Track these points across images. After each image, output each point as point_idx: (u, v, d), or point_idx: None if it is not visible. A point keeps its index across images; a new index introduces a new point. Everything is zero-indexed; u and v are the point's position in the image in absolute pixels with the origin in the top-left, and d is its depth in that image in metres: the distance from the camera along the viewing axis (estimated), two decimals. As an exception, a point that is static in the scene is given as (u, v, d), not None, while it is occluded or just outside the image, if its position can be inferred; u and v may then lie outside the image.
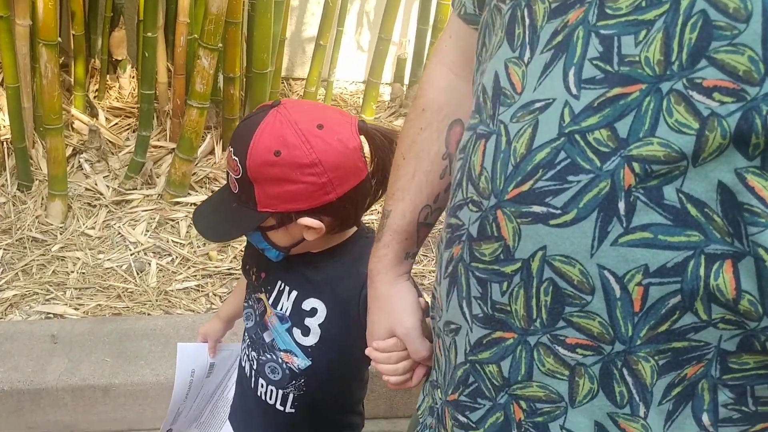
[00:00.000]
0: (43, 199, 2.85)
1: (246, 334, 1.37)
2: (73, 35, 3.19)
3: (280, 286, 1.28)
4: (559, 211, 0.67)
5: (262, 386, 1.33)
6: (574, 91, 0.66)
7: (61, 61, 2.84)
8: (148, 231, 2.79)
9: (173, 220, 2.85)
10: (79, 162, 3.05)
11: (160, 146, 3.19)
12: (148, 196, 2.94)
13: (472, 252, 0.76)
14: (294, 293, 1.26)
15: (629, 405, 0.70)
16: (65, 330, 2.23)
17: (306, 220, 1.15)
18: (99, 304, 2.43)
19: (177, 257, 2.69)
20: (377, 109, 3.77)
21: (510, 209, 0.71)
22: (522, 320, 0.73)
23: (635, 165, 0.63)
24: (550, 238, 0.68)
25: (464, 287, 0.79)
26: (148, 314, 2.41)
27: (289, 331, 1.26)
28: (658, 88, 0.61)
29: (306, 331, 1.25)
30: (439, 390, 0.91)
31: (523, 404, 0.76)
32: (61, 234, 2.73)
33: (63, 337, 2.20)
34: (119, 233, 2.76)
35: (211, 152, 3.21)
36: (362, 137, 1.16)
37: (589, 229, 0.66)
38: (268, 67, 2.63)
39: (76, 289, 2.49)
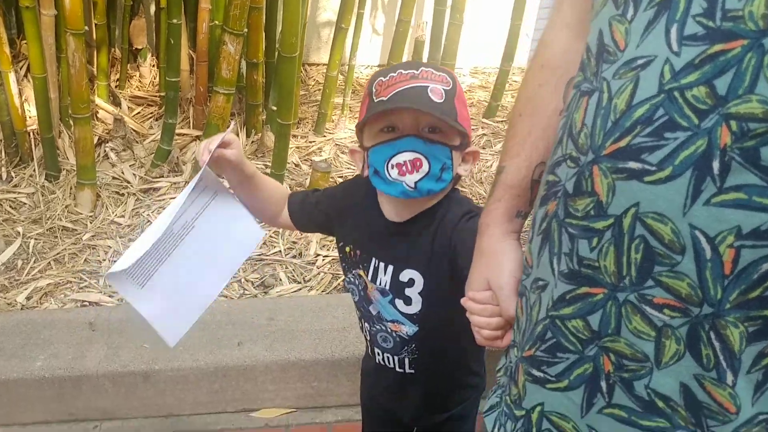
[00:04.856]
0: (71, 188, 2.86)
1: (355, 307, 1.42)
2: (96, 25, 3.18)
3: (375, 263, 1.31)
4: (654, 168, 0.67)
5: (378, 354, 1.40)
6: (675, 48, 0.66)
7: (85, 51, 2.84)
8: (176, 218, 2.79)
9: (201, 207, 2.85)
10: (105, 151, 3.06)
11: (184, 134, 3.19)
12: (175, 183, 2.95)
13: (567, 208, 0.77)
14: (390, 267, 1.29)
15: (716, 369, 0.69)
16: (102, 317, 2.24)
17: (473, 148, 1.28)
18: (133, 292, 2.43)
19: (207, 244, 2.69)
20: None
21: (606, 165, 0.71)
22: (612, 276, 0.73)
23: (732, 123, 0.62)
24: (644, 194, 0.68)
25: (556, 243, 0.80)
26: (183, 300, 2.41)
27: (392, 302, 1.30)
28: (761, 44, 0.60)
29: (408, 301, 1.29)
30: (515, 348, 0.92)
31: (612, 357, 0.76)
32: (91, 223, 2.74)
33: (100, 324, 2.21)
34: (148, 221, 2.77)
35: (236, 139, 3.21)
36: None
37: (682, 187, 0.65)
38: (296, 51, 2.62)
39: (109, 277, 2.50)
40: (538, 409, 0.85)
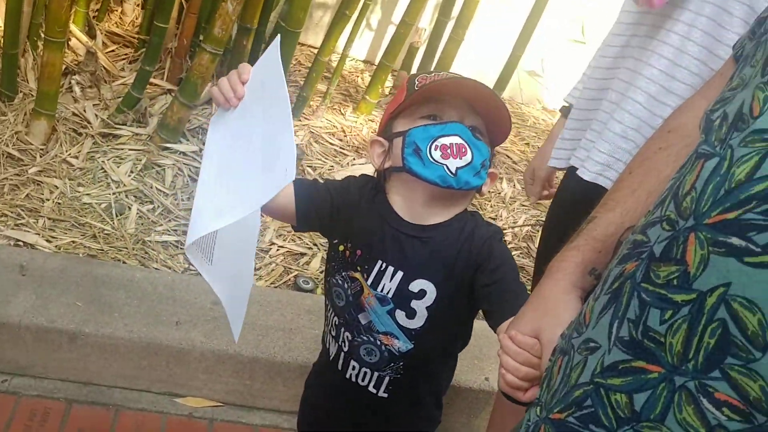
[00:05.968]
0: (26, 114, 2.64)
1: (332, 313, 1.29)
2: (86, -55, 2.97)
3: (381, 266, 1.20)
4: (758, 250, 0.60)
5: (353, 368, 1.27)
6: None
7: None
8: (132, 172, 2.60)
9: (160, 166, 2.67)
10: (70, 83, 2.84)
11: (157, 84, 3.00)
12: (137, 134, 2.75)
13: (648, 272, 0.69)
14: (399, 273, 1.19)
15: None
16: (36, 262, 2.05)
17: (493, 169, 1.24)
18: (73, 241, 2.25)
19: (159, 206, 2.52)
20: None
21: (705, 234, 0.64)
22: (676, 356, 0.65)
23: None
24: (739, 276, 0.61)
25: (623, 306, 0.72)
26: (124, 262, 2.24)
27: (391, 313, 1.20)
28: None
29: (411, 314, 1.20)
30: (538, 408, 0.82)
31: None
32: (41, 156, 2.53)
33: (33, 270, 2.02)
34: (102, 168, 2.57)
35: (209, 102, 3.03)
36: None
37: None
38: (302, 26, 2.47)
39: (49, 219, 2.30)
40: None
